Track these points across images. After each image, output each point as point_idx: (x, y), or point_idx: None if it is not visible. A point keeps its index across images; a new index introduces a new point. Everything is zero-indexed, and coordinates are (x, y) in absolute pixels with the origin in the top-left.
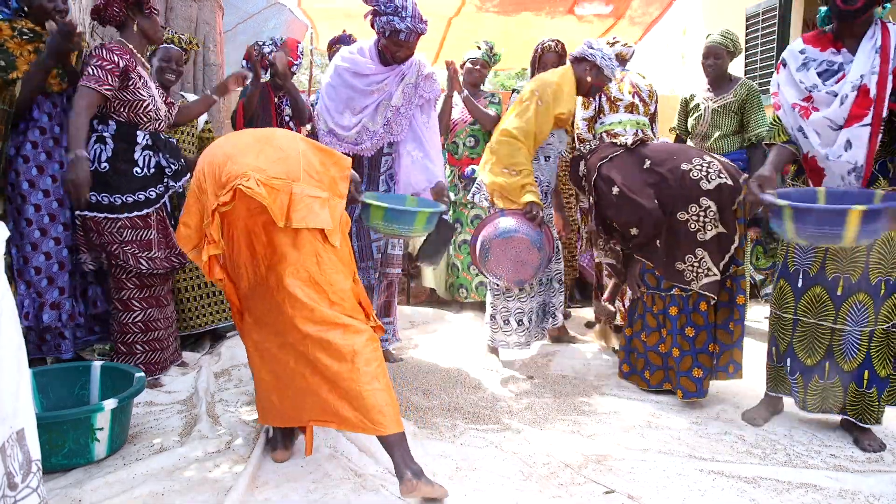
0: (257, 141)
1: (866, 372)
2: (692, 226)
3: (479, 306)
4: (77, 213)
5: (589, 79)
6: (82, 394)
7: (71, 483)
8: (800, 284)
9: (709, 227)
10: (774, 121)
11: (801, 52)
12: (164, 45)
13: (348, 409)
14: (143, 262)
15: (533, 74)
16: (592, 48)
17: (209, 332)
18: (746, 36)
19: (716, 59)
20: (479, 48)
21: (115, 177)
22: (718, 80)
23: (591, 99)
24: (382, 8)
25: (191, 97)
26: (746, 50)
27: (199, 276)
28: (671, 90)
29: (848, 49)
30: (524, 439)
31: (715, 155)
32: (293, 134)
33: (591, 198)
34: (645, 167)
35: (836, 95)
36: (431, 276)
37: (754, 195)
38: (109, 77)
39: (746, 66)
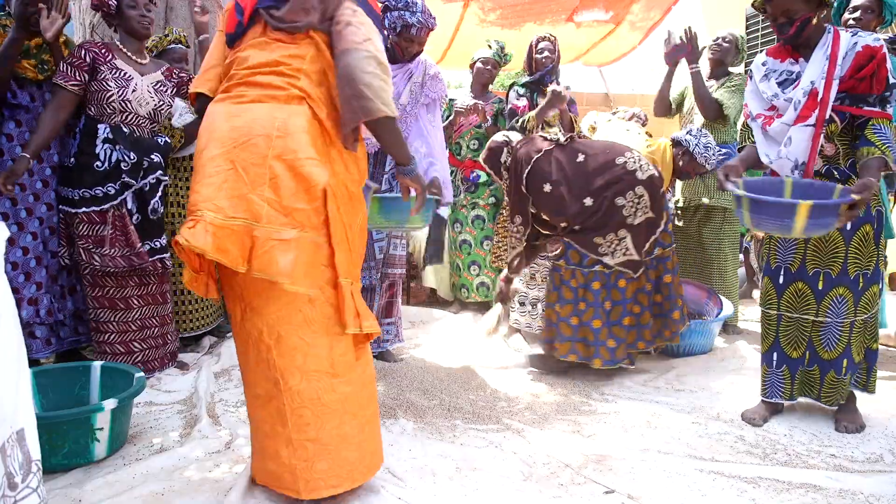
0: (226, 155)
1: (845, 360)
2: (626, 210)
3: (480, 307)
4: (60, 206)
5: (681, 163)
6: (82, 394)
7: (71, 483)
8: (781, 281)
9: (639, 213)
10: (744, 126)
11: (763, 63)
12: (172, 45)
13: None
14: (96, 258)
15: (529, 65)
16: (691, 135)
17: (208, 332)
18: (746, 36)
19: (724, 42)
20: (489, 47)
21: (78, 171)
22: (719, 66)
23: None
24: (393, 3)
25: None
26: (747, 50)
27: None
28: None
29: (804, 58)
30: (524, 439)
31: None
32: (270, 145)
33: (521, 187)
34: (579, 160)
35: (791, 101)
36: (432, 277)
37: (720, 183)
38: (77, 73)
39: (746, 66)
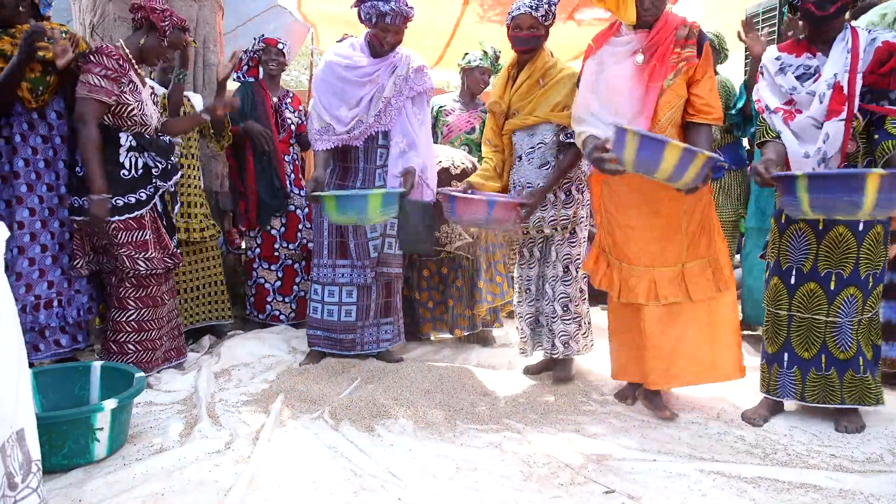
0: None
1: (861, 359)
2: None
3: None
4: (72, 218)
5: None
6: (82, 394)
7: (71, 483)
8: (793, 281)
9: None
10: (761, 121)
11: (777, 58)
12: None
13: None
14: (141, 264)
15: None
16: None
17: (208, 331)
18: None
19: None
20: (485, 52)
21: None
22: None
23: None
24: None
25: (192, 96)
26: (746, 50)
27: (198, 271)
28: None
29: (822, 53)
30: (524, 439)
31: (454, 150)
32: None
33: None
34: None
35: (814, 95)
36: None
37: (762, 175)
38: (114, 86)
39: (746, 65)
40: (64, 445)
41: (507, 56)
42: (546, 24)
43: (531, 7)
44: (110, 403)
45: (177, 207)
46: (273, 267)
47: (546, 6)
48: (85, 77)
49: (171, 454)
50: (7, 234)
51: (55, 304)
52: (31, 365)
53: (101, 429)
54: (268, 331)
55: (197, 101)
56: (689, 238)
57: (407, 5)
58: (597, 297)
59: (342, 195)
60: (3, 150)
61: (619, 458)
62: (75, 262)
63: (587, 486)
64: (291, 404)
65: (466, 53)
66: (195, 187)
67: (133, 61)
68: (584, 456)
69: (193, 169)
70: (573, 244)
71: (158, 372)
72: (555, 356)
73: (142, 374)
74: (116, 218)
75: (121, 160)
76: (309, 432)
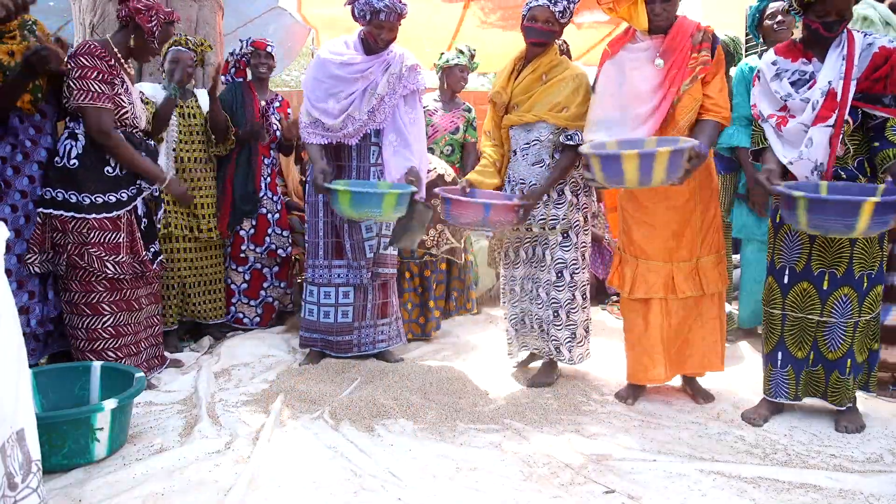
0: None
1: (848, 360)
2: (439, 208)
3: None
4: (40, 210)
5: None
6: (82, 394)
7: (71, 483)
8: (786, 280)
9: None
10: (756, 127)
11: (774, 63)
12: (175, 46)
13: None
14: (110, 266)
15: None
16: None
17: (207, 332)
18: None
19: None
20: (461, 52)
21: (85, 175)
22: None
23: None
24: None
25: (198, 92)
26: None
27: (200, 268)
28: None
29: (817, 58)
30: (524, 439)
31: (438, 159)
32: None
33: None
34: None
35: (808, 102)
36: None
37: (765, 186)
38: (109, 88)
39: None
40: (64, 445)
41: (508, 57)
42: (562, 21)
43: (551, 0)
44: (110, 403)
45: (160, 213)
46: (241, 269)
47: (565, 2)
48: (83, 83)
49: (171, 454)
50: (7, 234)
51: (40, 303)
52: (32, 365)
53: (101, 429)
54: (268, 331)
55: (203, 97)
56: (703, 233)
57: (401, 1)
58: (595, 297)
59: (357, 191)
60: (9, 156)
61: (619, 458)
62: (28, 257)
63: (587, 486)
64: (291, 404)
65: (442, 53)
66: (205, 188)
67: (121, 60)
68: (584, 456)
69: (202, 172)
70: (566, 248)
71: (165, 374)
72: (543, 358)
73: (142, 373)
74: (93, 216)
75: (107, 157)
76: (309, 432)
